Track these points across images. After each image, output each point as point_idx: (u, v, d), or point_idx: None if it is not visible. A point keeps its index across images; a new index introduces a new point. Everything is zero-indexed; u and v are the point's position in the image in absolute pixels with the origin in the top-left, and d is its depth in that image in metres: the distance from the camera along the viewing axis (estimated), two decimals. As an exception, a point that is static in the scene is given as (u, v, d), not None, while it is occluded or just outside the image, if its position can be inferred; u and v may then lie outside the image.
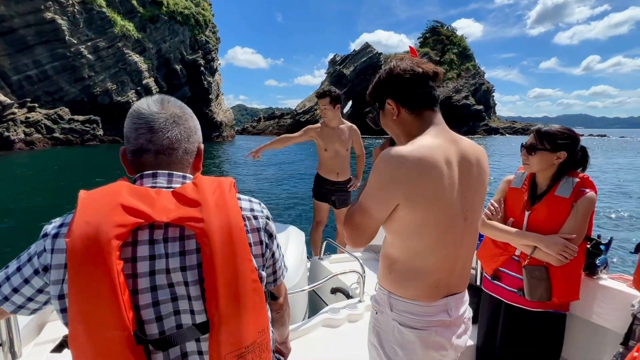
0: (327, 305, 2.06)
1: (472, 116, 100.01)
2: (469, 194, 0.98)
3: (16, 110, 31.82)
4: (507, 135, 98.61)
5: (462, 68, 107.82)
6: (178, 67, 50.20)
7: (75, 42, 37.87)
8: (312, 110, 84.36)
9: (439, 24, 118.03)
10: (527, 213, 1.48)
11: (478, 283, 1.89)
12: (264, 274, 0.73)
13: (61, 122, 35.29)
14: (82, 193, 0.62)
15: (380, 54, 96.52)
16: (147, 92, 44.98)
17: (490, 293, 1.59)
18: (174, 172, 0.69)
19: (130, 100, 42.52)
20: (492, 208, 1.56)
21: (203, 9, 55.83)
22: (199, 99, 53.34)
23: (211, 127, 55.03)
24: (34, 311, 0.66)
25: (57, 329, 1.58)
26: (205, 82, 53.78)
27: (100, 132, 38.45)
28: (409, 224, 0.94)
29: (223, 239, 0.63)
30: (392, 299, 1.01)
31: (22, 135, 30.53)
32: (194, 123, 0.75)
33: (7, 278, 0.63)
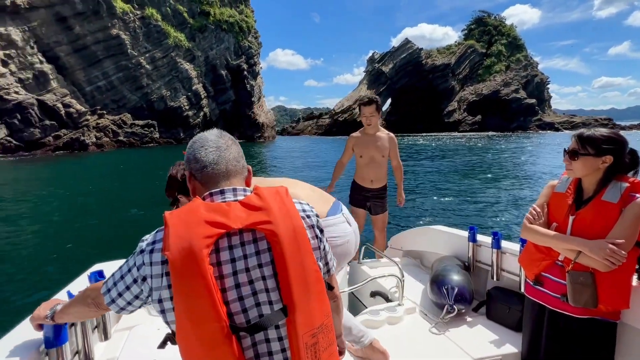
0: (367, 308, 2.10)
1: (523, 111, 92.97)
2: None
3: (89, 117, 36.25)
4: (564, 130, 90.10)
5: (512, 59, 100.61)
6: (223, 72, 53.26)
7: (136, 54, 41.98)
8: (350, 109, 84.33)
9: (485, 14, 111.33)
10: (571, 218, 1.41)
11: (522, 290, 1.82)
12: (321, 265, 0.85)
13: (124, 127, 39.42)
14: (167, 214, 0.75)
15: (421, 49, 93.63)
16: (197, 97, 48.46)
17: (533, 299, 1.55)
18: (237, 187, 0.83)
19: (182, 105, 46.16)
20: (535, 212, 1.52)
21: (246, 16, 58.58)
22: (242, 101, 56.14)
23: (253, 129, 57.63)
24: (130, 312, 0.83)
25: (129, 319, 1.83)
26: (248, 86, 56.40)
27: (157, 134, 42.26)
28: None
29: (289, 238, 0.75)
30: None
31: (94, 139, 34.69)
32: (241, 149, 0.91)
33: (115, 284, 0.80)
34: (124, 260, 0.80)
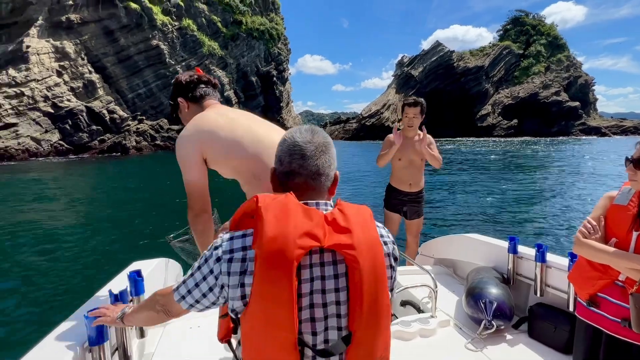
0: (397, 318, 2.04)
1: (565, 114, 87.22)
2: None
3: (130, 123, 38.69)
4: (612, 135, 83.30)
5: (552, 60, 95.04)
6: (254, 78, 54.85)
7: (173, 62, 44.37)
8: (378, 114, 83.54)
9: (522, 13, 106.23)
10: (635, 234, 1.28)
11: (571, 309, 1.73)
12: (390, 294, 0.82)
13: (161, 132, 41.66)
14: (261, 204, 0.70)
15: (452, 52, 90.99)
16: (228, 103, 50.19)
17: (586, 321, 1.41)
18: (320, 201, 0.78)
19: (214, 111, 47.95)
20: (589, 226, 1.39)
21: (276, 24, 60.06)
22: (271, 106, 57.41)
23: (281, 133, 58.61)
24: (203, 310, 0.84)
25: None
26: (277, 91, 57.65)
27: (190, 139, 44.15)
28: None
29: (369, 265, 0.71)
30: None
31: (134, 143, 36.93)
32: (334, 151, 0.82)
33: (189, 292, 0.79)
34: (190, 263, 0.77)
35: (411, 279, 2.41)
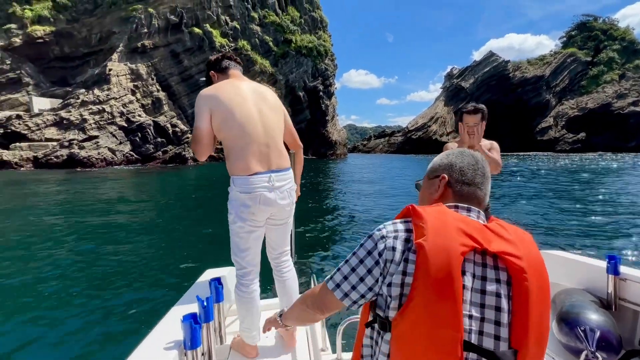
0: None
1: (646, 127, 76.90)
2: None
3: (189, 135, 42.14)
4: None
5: (628, 67, 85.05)
6: (301, 93, 56.85)
7: (229, 80, 47.87)
8: (425, 127, 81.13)
9: (590, 17, 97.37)
10: None
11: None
12: None
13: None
14: (419, 208, 0.75)
15: (507, 61, 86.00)
16: (276, 116, 52.57)
17: None
18: (480, 211, 0.82)
19: (263, 124, 50.44)
20: None
21: (324, 41, 62.07)
22: (317, 120, 58.78)
23: (327, 146, 59.54)
24: (359, 306, 0.81)
25: (233, 325, 1.90)
26: (323, 106, 58.99)
27: (241, 151, 46.82)
28: None
29: (537, 282, 0.70)
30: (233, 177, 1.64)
31: (192, 154, 40.00)
32: None
33: (345, 277, 0.79)
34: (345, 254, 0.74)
35: None
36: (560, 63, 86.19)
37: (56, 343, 3.17)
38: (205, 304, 1.26)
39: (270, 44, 54.12)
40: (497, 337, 0.68)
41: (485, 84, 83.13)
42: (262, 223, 1.70)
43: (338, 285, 0.79)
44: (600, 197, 12.82)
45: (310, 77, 58.94)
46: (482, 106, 2.85)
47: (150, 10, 43.54)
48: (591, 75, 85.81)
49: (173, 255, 5.93)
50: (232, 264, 1.81)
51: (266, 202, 1.62)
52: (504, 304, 0.69)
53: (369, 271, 0.75)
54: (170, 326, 1.29)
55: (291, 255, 2.05)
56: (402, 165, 37.62)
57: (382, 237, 0.76)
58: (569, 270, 2.19)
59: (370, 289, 0.76)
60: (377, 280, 0.75)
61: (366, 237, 0.79)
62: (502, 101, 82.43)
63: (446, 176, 0.86)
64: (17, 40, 39.61)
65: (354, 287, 0.77)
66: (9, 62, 38.45)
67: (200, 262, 5.42)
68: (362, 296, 0.78)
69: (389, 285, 0.72)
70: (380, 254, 0.74)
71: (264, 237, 1.79)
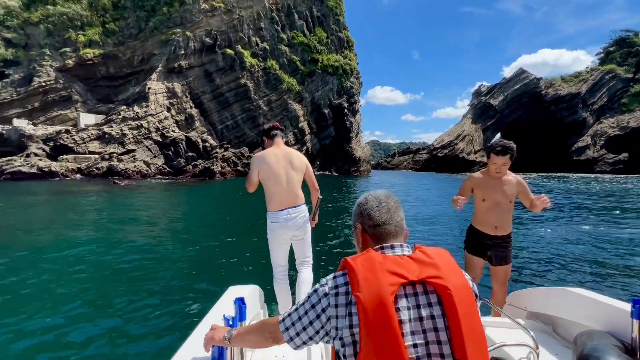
0: None
1: (698, 148, 70.93)
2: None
3: (218, 150, 43.89)
4: None
5: (676, 84, 79.65)
6: (326, 111, 57.85)
7: (257, 98, 49.71)
8: (451, 145, 79.44)
9: (630, 32, 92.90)
10: None
11: None
12: None
13: (242, 159, 46.20)
14: (349, 260, 0.84)
15: (539, 79, 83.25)
16: (302, 133, 53.65)
17: None
18: (403, 244, 0.92)
19: (289, 141, 51.59)
20: None
21: (349, 60, 63.32)
22: (341, 137, 59.31)
23: (350, 162, 59.68)
24: (304, 348, 0.92)
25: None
26: (347, 123, 59.58)
27: (266, 166, 48.02)
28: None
29: (460, 293, 0.79)
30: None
31: (220, 168, 41.53)
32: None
33: (293, 324, 0.89)
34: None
35: (501, 333, 2.16)
36: (597, 80, 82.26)
37: (80, 343, 3.49)
38: (230, 323, 1.35)
39: (298, 63, 55.97)
40: (442, 356, 0.75)
41: (516, 101, 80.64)
42: (287, 240, 2.83)
43: (287, 329, 0.91)
44: (635, 229, 11.97)
45: (336, 95, 60.00)
46: (512, 146, 2.79)
47: (188, 33, 46.66)
48: (632, 92, 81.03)
49: (201, 265, 6.24)
50: (254, 281, 2.27)
51: (286, 227, 2.74)
52: (440, 323, 0.77)
53: (311, 323, 0.85)
54: (197, 346, 1.35)
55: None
56: (426, 182, 36.94)
57: (325, 294, 0.84)
58: (593, 310, 2.10)
59: (310, 338, 0.87)
60: (317, 332, 0.85)
61: (312, 290, 0.88)
62: (534, 119, 79.41)
63: (359, 225, 0.97)
64: (70, 62, 43.65)
65: (297, 334, 0.88)
66: (62, 82, 42.33)
67: (224, 274, 5.69)
68: (304, 342, 0.89)
69: (341, 338, 0.79)
70: (323, 310, 0.83)
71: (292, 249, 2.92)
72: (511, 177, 2.91)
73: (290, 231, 2.75)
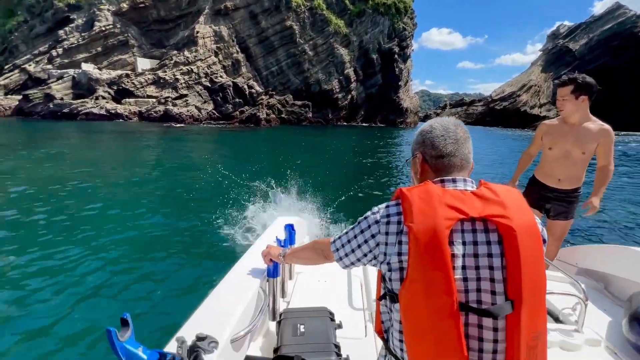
0: None
1: None
2: None
3: (263, 97, 44.33)
4: None
5: None
6: (374, 56, 54.20)
7: (302, 42, 47.79)
8: (512, 96, 71.42)
9: None
10: None
11: None
12: None
13: (286, 106, 46.32)
14: (405, 190, 0.82)
15: (639, 16, 68.23)
16: (347, 80, 51.54)
17: None
18: (467, 178, 0.86)
19: (334, 88, 50.13)
20: None
21: (404, -4, 56.88)
22: (389, 85, 56.03)
23: (396, 113, 57.03)
24: (353, 268, 0.97)
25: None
26: (396, 69, 55.66)
27: (310, 114, 47.78)
28: None
29: (525, 234, 0.75)
30: None
31: (265, 115, 42.34)
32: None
33: (343, 245, 0.94)
34: (350, 225, 0.96)
35: (551, 285, 2.12)
36: None
37: (127, 285, 3.84)
38: (282, 244, 1.55)
39: (346, 1, 51.66)
40: (493, 292, 0.74)
41: (603, 45, 67.76)
42: None
43: (337, 250, 0.96)
44: None
45: (386, 38, 55.41)
46: (578, 77, 2.41)
47: (233, -30, 44.64)
48: None
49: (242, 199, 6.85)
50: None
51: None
52: (497, 262, 0.75)
53: (359, 246, 0.88)
54: (251, 260, 1.56)
55: None
56: (479, 137, 34.45)
57: (376, 221, 0.84)
58: None
59: (358, 259, 0.91)
60: (365, 255, 0.88)
61: (363, 217, 0.89)
62: (626, 66, 66.84)
63: (419, 154, 0.92)
64: (125, 6, 44.83)
65: (346, 255, 0.93)
66: (119, 26, 44.10)
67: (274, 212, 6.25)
68: (352, 263, 0.94)
69: (388, 263, 0.81)
70: (373, 236, 0.85)
71: None
72: (593, 125, 2.49)
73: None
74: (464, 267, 0.75)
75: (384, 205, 0.86)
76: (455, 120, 0.91)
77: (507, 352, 0.74)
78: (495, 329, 0.74)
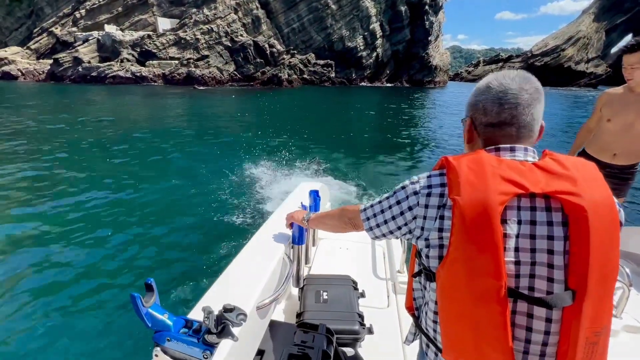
0: None
1: None
2: None
3: (285, 57, 42.90)
4: None
5: None
6: (403, 8, 50.14)
7: (325, -6, 44.78)
8: (556, 50, 64.76)
9: None
10: None
11: None
12: None
13: (309, 66, 44.73)
14: (451, 159, 0.72)
15: None
16: (372, 37, 48.46)
17: None
18: (528, 147, 0.73)
19: (358, 46, 47.44)
20: None
21: (440, -64, 50.84)
22: (418, 40, 52.31)
23: (424, 72, 53.81)
24: (378, 239, 0.89)
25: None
26: (426, 23, 51.52)
27: (333, 74, 46.04)
28: None
29: (600, 218, 0.64)
30: None
31: (287, 76, 41.29)
32: (544, 101, 0.77)
33: (374, 215, 0.85)
34: (382, 195, 0.87)
35: None
36: None
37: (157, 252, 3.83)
38: (309, 208, 1.51)
39: (374, -55, 47.04)
40: (550, 280, 0.65)
41: (672, -14, 58.72)
42: None
43: (368, 219, 0.87)
44: None
45: (417, -13, 50.74)
46: None
47: None
48: None
49: (286, 165, 6.90)
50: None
51: None
52: (558, 246, 0.65)
53: (393, 218, 0.79)
54: (275, 227, 1.51)
55: None
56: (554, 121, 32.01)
57: (415, 192, 0.75)
58: None
59: (391, 232, 0.82)
60: (399, 227, 0.79)
61: (400, 186, 0.79)
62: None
63: (469, 119, 0.79)
64: (142, -40, 43.27)
65: (378, 225, 0.84)
66: (137, -16, 42.99)
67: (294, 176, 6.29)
68: (384, 235, 0.84)
69: (426, 239, 0.73)
70: (410, 208, 0.75)
71: None
72: None
73: None
74: (517, 249, 0.65)
75: (425, 174, 0.76)
76: (522, 75, 0.73)
77: (559, 345, 0.66)
78: (548, 320, 0.66)
